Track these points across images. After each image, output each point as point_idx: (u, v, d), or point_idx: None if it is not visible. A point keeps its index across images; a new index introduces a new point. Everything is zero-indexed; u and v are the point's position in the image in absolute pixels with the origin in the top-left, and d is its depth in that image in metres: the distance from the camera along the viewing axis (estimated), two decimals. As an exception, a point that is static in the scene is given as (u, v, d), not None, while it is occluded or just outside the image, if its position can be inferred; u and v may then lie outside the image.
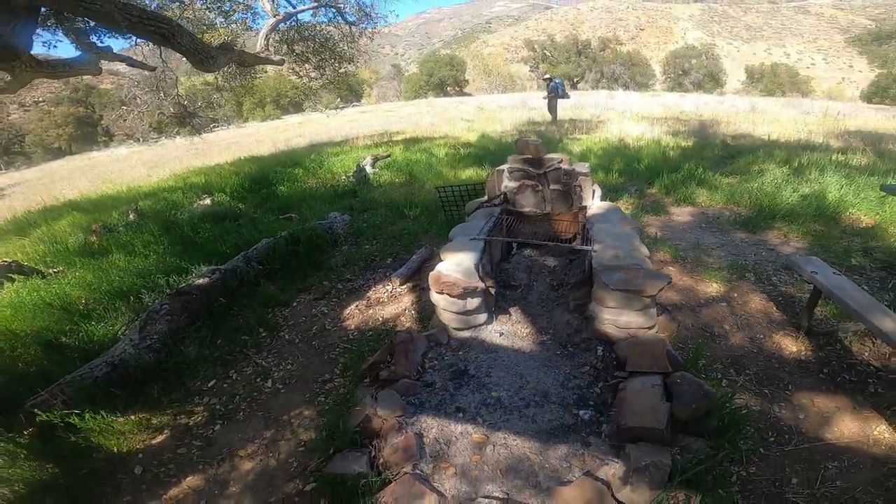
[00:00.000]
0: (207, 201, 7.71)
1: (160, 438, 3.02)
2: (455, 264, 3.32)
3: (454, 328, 3.32)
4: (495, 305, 3.55)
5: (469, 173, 8.19)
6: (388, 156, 10.23)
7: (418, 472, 2.32)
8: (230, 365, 3.64)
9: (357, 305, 4.28)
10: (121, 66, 9.76)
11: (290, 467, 2.70)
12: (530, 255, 4.42)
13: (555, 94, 14.20)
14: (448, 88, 57.62)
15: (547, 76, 15.16)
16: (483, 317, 3.35)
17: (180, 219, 6.46)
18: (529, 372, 2.90)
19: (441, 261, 3.45)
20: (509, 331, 3.36)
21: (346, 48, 11.66)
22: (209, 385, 3.45)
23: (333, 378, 3.39)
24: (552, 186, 4.49)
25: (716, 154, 8.74)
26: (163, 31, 6.12)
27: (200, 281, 4.21)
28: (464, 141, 11.78)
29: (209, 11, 9.93)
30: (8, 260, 5.11)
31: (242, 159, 12.97)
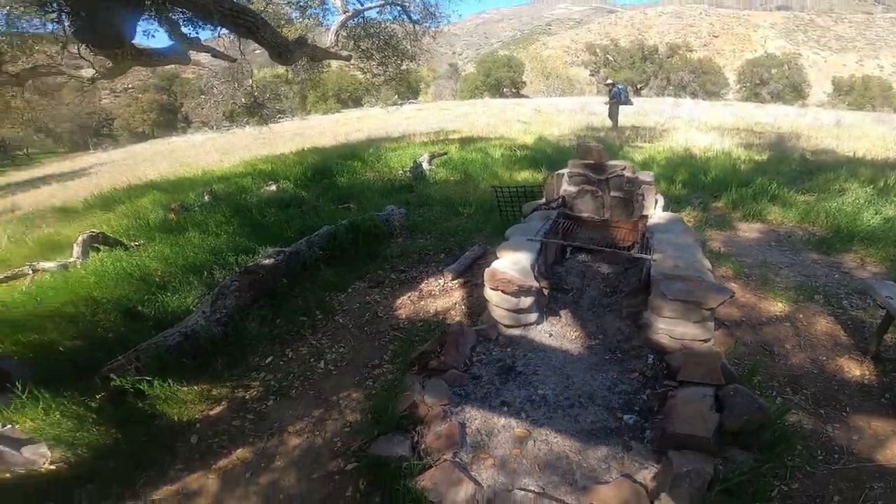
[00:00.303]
0: (273, 188, 8.15)
1: (217, 410, 3.19)
2: (511, 263, 3.38)
3: (504, 325, 3.37)
4: (547, 306, 3.56)
5: (525, 175, 8.16)
6: (445, 154, 10.37)
7: (458, 460, 2.38)
8: (287, 343, 3.81)
9: (409, 296, 4.40)
10: (203, 57, 10.48)
11: (335, 446, 2.80)
12: (584, 261, 4.38)
13: (617, 99, 13.83)
14: (505, 89, 57.24)
15: (609, 81, 14.80)
16: (534, 316, 3.39)
17: (249, 202, 6.89)
18: (576, 373, 2.92)
19: (497, 259, 3.51)
20: (558, 332, 3.37)
21: (408, 46, 11.91)
22: (266, 361, 3.63)
23: (382, 364, 3.49)
24: (613, 193, 4.43)
25: (792, 169, 8.21)
26: (249, 24, 6.52)
27: (266, 261, 4.47)
28: (520, 143, 11.73)
29: (288, 6, 10.45)
30: (95, 231, 5.64)
31: (305, 150, 13.55)
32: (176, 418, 3.06)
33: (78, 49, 6.75)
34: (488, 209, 6.30)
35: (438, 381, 2.84)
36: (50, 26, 7.95)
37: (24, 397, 2.97)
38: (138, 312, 4.06)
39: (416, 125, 18.19)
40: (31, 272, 5.07)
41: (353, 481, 2.52)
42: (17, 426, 2.82)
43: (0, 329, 3.75)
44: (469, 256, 4.92)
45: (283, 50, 7.40)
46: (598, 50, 65.99)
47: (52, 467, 2.72)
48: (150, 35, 8.97)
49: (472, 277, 4.57)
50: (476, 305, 4.04)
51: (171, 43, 7.94)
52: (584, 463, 2.38)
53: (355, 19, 11.01)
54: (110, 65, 7.90)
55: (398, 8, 11.44)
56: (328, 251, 5.03)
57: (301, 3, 10.61)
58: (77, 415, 2.94)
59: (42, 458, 2.71)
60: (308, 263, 4.81)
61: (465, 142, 12.56)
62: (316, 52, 8.94)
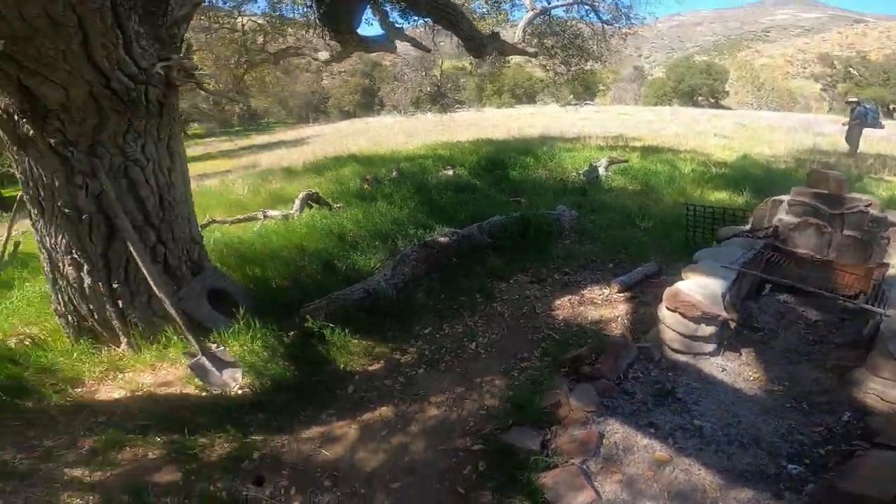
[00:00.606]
0: (450, 172, 8.70)
1: (375, 367, 3.43)
2: (699, 287, 3.14)
3: (673, 349, 3.17)
4: (727, 340, 3.24)
5: (720, 196, 7.25)
6: (626, 161, 9.76)
7: (585, 467, 2.36)
8: (446, 319, 4.02)
9: (569, 299, 4.32)
10: (401, 48, 11.53)
11: (468, 425, 2.86)
12: (785, 301, 3.80)
13: (861, 120, 11.27)
14: (700, 98, 51.27)
15: (853, 99, 12.14)
16: (710, 347, 3.13)
17: (429, 183, 7.47)
18: (745, 414, 2.69)
19: (682, 280, 3.30)
20: (734, 369, 3.10)
21: (594, 46, 11.44)
22: (425, 331, 3.86)
23: (531, 358, 3.49)
24: (847, 232, 3.68)
25: None
26: (451, 17, 6.99)
27: (442, 239, 4.81)
28: (716, 159, 10.42)
29: (486, 1, 10.87)
30: (311, 191, 6.74)
31: (480, 140, 14.07)
32: (342, 367, 3.40)
33: (322, 33, 8.00)
34: (670, 226, 5.77)
35: (588, 387, 2.83)
36: (301, 10, 9.62)
37: (241, 323, 3.52)
38: (334, 265, 4.73)
39: (592, 127, 17.46)
40: (262, 217, 6.31)
41: (474, 461, 2.57)
42: (227, 349, 3.35)
43: (236, 261, 4.73)
44: (641, 271, 4.62)
45: (477, 43, 7.74)
46: (836, 62, 54.59)
47: (239, 392, 3.16)
48: (369, 23, 10.23)
49: (640, 294, 4.29)
50: (640, 322, 3.81)
51: (382, 32, 8.96)
52: (722, 501, 2.18)
53: (542, 17, 11.01)
54: (339, 49, 9.27)
55: (586, 7, 11.08)
56: (497, 240, 5.19)
57: (497, 2, 10.96)
58: (272, 347, 3.43)
59: (234, 381, 3.16)
60: (477, 248, 5.03)
61: (648, 151, 11.63)
62: (505, 47, 9.17)
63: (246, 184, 9.32)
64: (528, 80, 48.17)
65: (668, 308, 3.14)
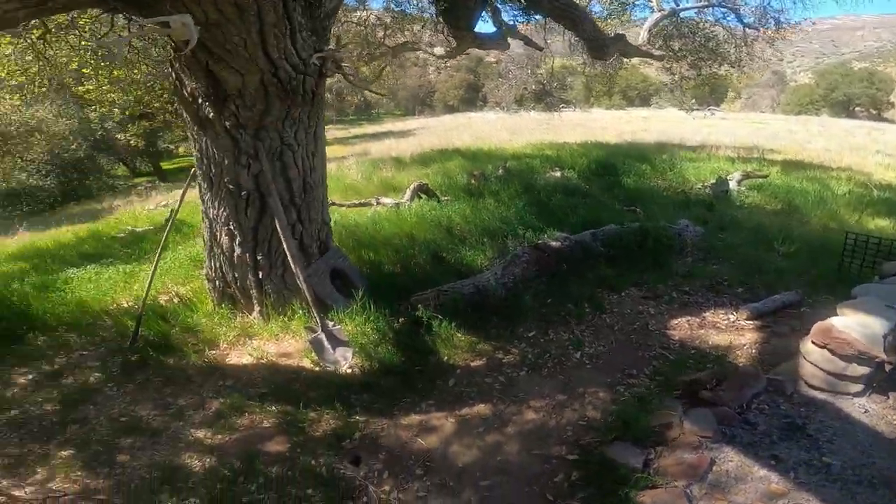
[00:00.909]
0: (558, 174, 8.42)
1: (477, 363, 3.45)
2: (857, 324, 2.87)
3: (811, 384, 2.95)
4: (878, 382, 2.92)
5: (882, 224, 6.22)
6: (765, 177, 8.70)
7: (689, 491, 2.26)
8: (551, 325, 3.91)
9: (688, 320, 4.00)
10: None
11: (565, 433, 2.79)
12: None
13: None
14: (857, 109, 44.46)
15: None
16: (858, 388, 2.87)
17: (537, 184, 7.29)
18: (882, 456, 2.48)
19: (836, 315, 3.03)
20: (878, 412, 2.83)
21: (731, 50, 10.27)
22: (529, 334, 3.79)
23: (639, 375, 3.32)
24: None
25: None
26: (573, 17, 6.68)
27: (554, 243, 4.65)
28: (879, 180, 8.94)
29: (609, 2, 10.27)
30: (422, 182, 6.91)
31: (589, 143, 13.47)
32: (445, 359, 3.45)
33: (441, 29, 8.14)
34: (817, 253, 5.04)
35: (706, 412, 2.73)
36: (421, 7, 9.84)
37: (358, 305, 3.72)
38: (442, 257, 4.80)
39: (720, 136, 15.90)
40: (375, 204, 6.62)
41: (567, 470, 2.51)
42: (342, 327, 3.54)
43: (352, 243, 4.98)
44: (779, 300, 4.12)
45: (600, 44, 7.33)
46: None
47: (348, 371, 3.32)
48: (484, 20, 10.14)
49: (773, 323, 3.88)
50: (770, 354, 3.48)
51: (495, 30, 8.84)
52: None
53: (670, 18, 10.16)
54: (454, 46, 9.38)
55: (723, 10, 9.97)
56: (610, 249, 4.91)
57: (621, 3, 10.31)
58: (382, 331, 3.58)
59: (345, 360, 3.30)
60: (588, 256, 4.80)
61: (791, 166, 10.31)
62: (628, 48, 8.60)
63: (360, 170, 9.86)
64: (642, 81, 45.19)
65: (814, 343, 2.92)
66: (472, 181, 7.64)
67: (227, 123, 3.41)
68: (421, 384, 3.25)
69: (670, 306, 4.20)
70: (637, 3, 10.15)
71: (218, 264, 3.88)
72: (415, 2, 10.53)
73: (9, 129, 8.97)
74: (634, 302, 4.28)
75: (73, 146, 18.49)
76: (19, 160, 10.91)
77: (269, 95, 3.37)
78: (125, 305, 4.61)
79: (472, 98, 50.17)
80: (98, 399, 3.31)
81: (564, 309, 4.10)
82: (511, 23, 9.14)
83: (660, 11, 9.47)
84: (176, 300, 4.42)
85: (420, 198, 6.66)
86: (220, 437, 2.89)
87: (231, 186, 3.57)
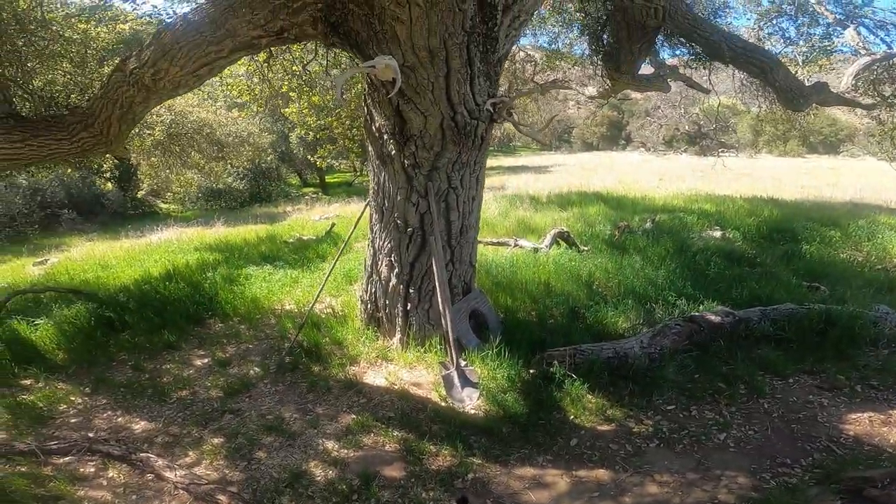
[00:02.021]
0: (717, 234, 7.53)
1: (604, 427, 3.31)
2: None
3: None
4: None
5: None
6: None
7: None
8: (695, 401, 3.58)
9: (870, 416, 3.41)
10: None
11: None
12: None
13: None
14: None
15: None
16: None
17: (693, 244, 6.60)
18: None
19: None
20: None
21: None
22: (668, 407, 3.52)
23: (793, 466, 2.96)
24: None
25: None
26: (762, 65, 5.94)
27: (712, 317, 4.19)
28: None
29: (802, 47, 9.02)
30: (562, 228, 6.72)
31: (759, 198, 11.88)
32: (571, 417, 3.34)
33: (597, 69, 7.90)
34: None
35: None
36: (579, 50, 9.70)
37: (493, 350, 3.78)
38: (580, 313, 4.60)
39: (939, 198, 12.81)
40: (513, 245, 6.63)
41: None
42: (475, 368, 3.61)
43: (489, 284, 5.03)
44: None
45: (795, 95, 6.43)
46: None
47: (472, 411, 3.36)
48: (642, 62, 9.50)
49: None
50: None
51: (653, 70, 8.26)
52: None
53: (881, 62, 8.49)
54: (609, 86, 9.05)
55: None
56: (782, 331, 4.23)
57: (824, 47, 8.97)
58: (511, 379, 3.59)
59: (470, 400, 3.35)
60: (752, 334, 4.22)
61: None
62: (828, 97, 7.43)
63: (497, 206, 10.00)
64: (830, 124, 38.43)
65: None
66: (616, 233, 7.22)
67: (406, 162, 3.67)
68: (541, 438, 3.22)
69: (850, 400, 3.60)
70: (842, 47, 8.83)
71: (373, 290, 4.24)
72: (569, 41, 10.45)
73: (227, 138, 11.07)
74: (804, 390, 3.72)
75: (269, 158, 22.25)
76: (229, 165, 13.35)
77: (445, 138, 3.58)
78: (287, 308, 5.29)
79: (614, 136, 48.17)
80: (253, 392, 3.83)
81: (713, 387, 3.71)
82: (670, 59, 8.56)
83: (869, 56, 8.09)
84: (330, 311, 4.93)
85: (559, 244, 6.50)
86: (345, 451, 3.12)
87: (399, 221, 3.87)
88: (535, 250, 6.29)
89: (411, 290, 3.97)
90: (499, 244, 6.83)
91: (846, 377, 3.84)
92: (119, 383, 4.01)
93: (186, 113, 9.13)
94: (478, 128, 3.64)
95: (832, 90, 7.41)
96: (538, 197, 11.40)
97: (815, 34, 8.94)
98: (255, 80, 7.28)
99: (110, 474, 3.03)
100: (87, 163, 8.11)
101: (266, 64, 6.16)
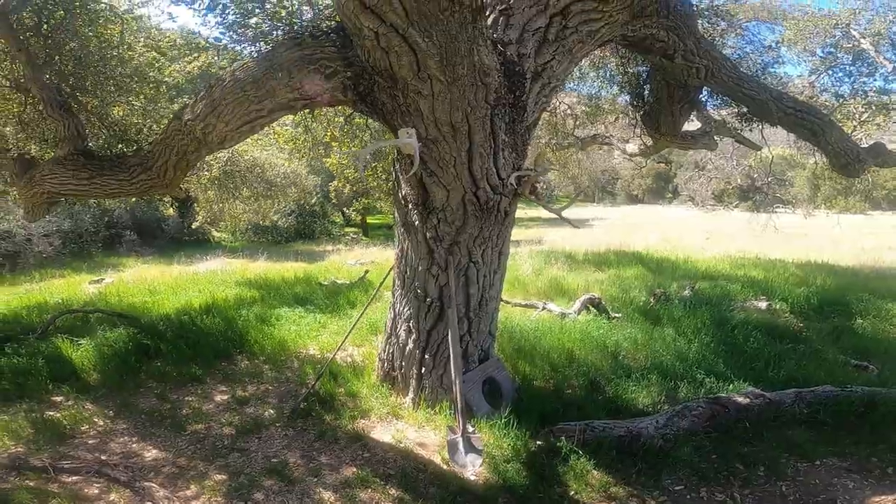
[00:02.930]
0: (763, 305, 7.09)
1: None
2: None
3: None
4: None
5: None
6: None
7: None
8: (706, 482, 3.34)
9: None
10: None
11: None
12: None
13: None
14: None
15: None
16: None
17: (732, 317, 6.21)
18: None
19: None
20: None
21: None
22: (676, 488, 3.32)
23: None
24: None
25: None
26: (813, 127, 5.55)
27: (740, 399, 3.94)
28: None
29: (867, 105, 8.59)
30: (593, 295, 6.52)
31: (812, 264, 11.17)
32: (572, 493, 3.21)
33: (638, 127, 7.78)
34: None
35: None
36: (621, 101, 9.57)
37: (503, 420, 3.70)
38: (600, 385, 4.43)
39: None
40: (541, 308, 6.47)
41: None
42: (481, 435, 3.53)
43: (510, 349, 4.93)
44: None
45: (851, 160, 6.09)
46: None
47: (472, 478, 3.28)
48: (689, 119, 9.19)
49: None
50: None
51: (700, 125, 8.02)
52: None
53: None
54: (650, 143, 8.89)
55: None
56: (817, 414, 3.92)
57: (883, 103, 8.51)
58: (516, 449, 3.50)
59: (472, 467, 3.27)
60: (781, 416, 3.95)
61: None
62: (887, 159, 7.01)
63: (531, 263, 9.87)
64: (894, 177, 35.35)
65: None
66: (652, 300, 6.95)
67: (428, 234, 3.68)
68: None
69: (879, 483, 3.30)
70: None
71: (391, 350, 4.29)
72: (611, 96, 10.37)
73: (276, 179, 11.78)
74: (829, 472, 3.44)
75: (314, 199, 23.33)
76: (276, 204, 14.13)
77: (466, 213, 3.56)
78: (311, 352, 5.39)
79: (660, 189, 46.82)
80: (264, 434, 3.88)
81: (728, 468, 3.46)
82: (716, 111, 8.28)
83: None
84: (349, 361, 5.00)
85: (589, 311, 6.32)
86: (339, 504, 3.06)
87: (419, 290, 3.91)
88: (563, 315, 6.12)
89: (426, 356, 3.98)
90: (527, 306, 6.71)
91: (879, 459, 3.53)
92: (141, 410, 4.17)
93: (242, 152, 9.79)
94: (500, 203, 3.60)
95: (891, 150, 6.98)
96: (574, 254, 11.19)
97: (872, 84, 8.55)
98: (300, 129, 7.72)
99: (112, 497, 3.11)
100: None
101: (311, 115, 6.49)
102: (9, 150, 5.38)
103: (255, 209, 12.10)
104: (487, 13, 3.25)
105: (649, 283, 8.06)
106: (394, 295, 4.26)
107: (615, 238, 13.63)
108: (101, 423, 4.02)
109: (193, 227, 18.63)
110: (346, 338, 4.75)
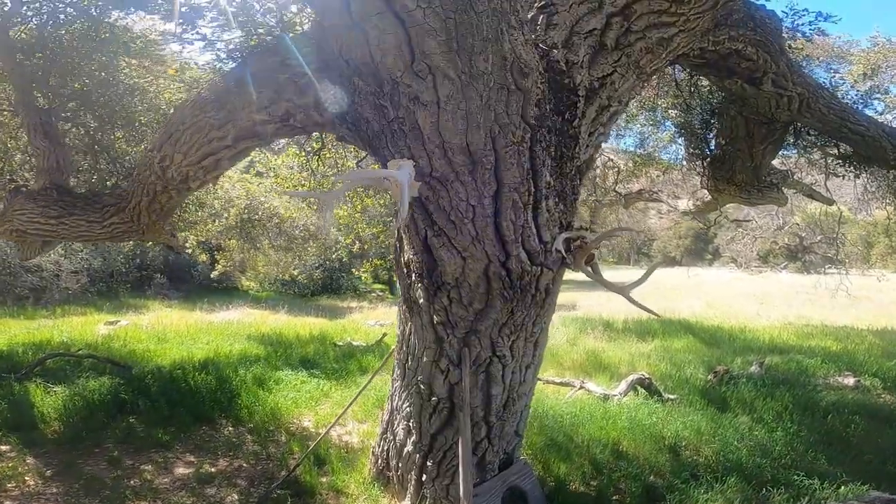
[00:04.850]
0: (850, 381, 5.90)
1: None
2: None
3: None
4: None
5: None
6: None
7: None
8: None
9: None
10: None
11: None
12: None
13: None
14: None
15: None
16: None
17: (822, 399, 5.07)
18: None
19: None
20: None
21: None
22: None
23: None
24: None
25: None
26: None
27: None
28: None
29: None
30: (644, 374, 5.39)
31: (890, 330, 9.82)
32: None
33: (702, 180, 6.70)
34: None
35: None
36: (666, 155, 8.40)
37: None
38: (656, 491, 3.41)
39: None
40: (577, 386, 5.40)
41: None
42: None
43: (542, 442, 3.97)
44: None
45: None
46: None
47: None
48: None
49: None
50: None
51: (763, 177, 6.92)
52: None
53: None
54: (708, 199, 7.86)
55: None
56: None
57: None
58: None
59: None
60: None
61: None
62: None
63: (565, 332, 8.84)
64: None
65: None
66: (713, 378, 5.81)
67: (436, 318, 2.68)
68: None
69: None
70: None
71: (386, 447, 3.37)
72: (661, 144, 9.00)
73: (293, 231, 11.23)
74: None
75: (335, 254, 23.06)
76: (297, 258, 13.64)
77: (491, 291, 2.51)
78: (305, 424, 4.70)
79: (699, 250, 44.66)
80: None
81: None
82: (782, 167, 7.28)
83: None
84: (345, 443, 4.22)
85: (637, 392, 5.25)
86: None
87: (422, 387, 2.93)
88: (606, 397, 5.04)
89: (429, 463, 3.01)
90: (562, 384, 5.68)
91: None
92: (84, 474, 3.63)
93: (263, 199, 9.41)
94: (541, 277, 2.53)
95: None
96: (613, 323, 10.01)
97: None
98: (305, 174, 6.92)
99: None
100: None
101: (317, 157, 5.94)
102: (14, 180, 5.10)
103: (275, 262, 11.65)
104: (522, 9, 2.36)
105: (705, 358, 6.92)
106: (392, 385, 3.35)
107: (656, 303, 12.35)
108: (32, 483, 3.50)
109: (213, 275, 18.52)
110: (340, 416, 3.98)
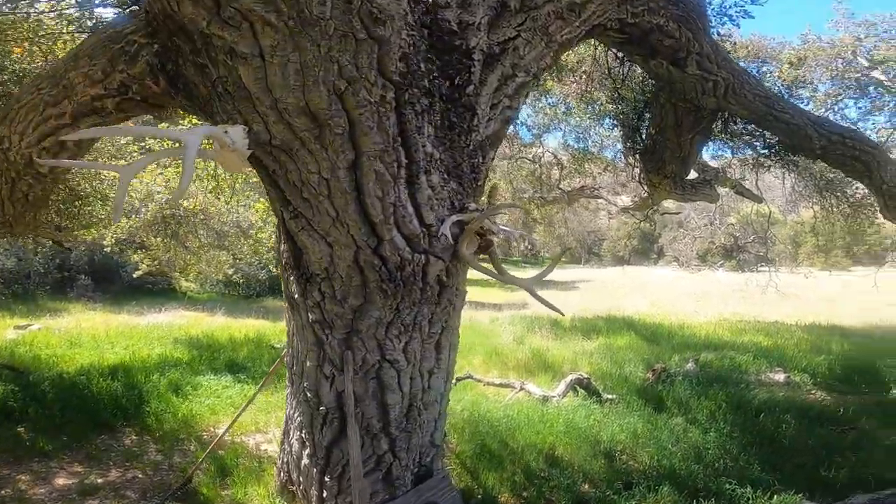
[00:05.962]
0: (780, 377, 6.05)
1: None
2: None
3: None
4: None
5: None
6: None
7: None
8: None
9: None
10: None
11: None
12: None
13: None
14: None
15: None
16: None
17: (753, 398, 5.11)
18: None
19: None
20: None
21: None
22: None
23: None
24: None
25: None
26: (867, 159, 4.37)
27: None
28: None
29: None
30: (582, 375, 5.29)
31: (818, 325, 10.37)
32: None
33: (634, 174, 6.66)
34: None
35: None
36: (610, 153, 8.44)
37: None
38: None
39: None
40: (518, 388, 5.21)
41: None
42: None
43: (473, 451, 3.73)
44: None
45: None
46: None
47: None
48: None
49: None
50: None
51: (697, 175, 7.12)
52: None
53: None
54: (645, 195, 7.92)
55: None
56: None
57: None
58: None
59: None
60: None
61: None
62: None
63: (512, 331, 8.73)
64: (874, 233, 34.81)
65: None
66: (650, 377, 5.79)
67: (311, 315, 2.39)
68: None
69: None
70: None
71: (286, 459, 3.01)
72: (600, 139, 9.16)
73: (224, 228, 10.52)
74: None
75: (269, 253, 22.05)
76: (231, 258, 13.01)
77: (367, 285, 2.22)
78: (217, 432, 4.26)
79: (646, 250, 46.63)
80: None
81: None
82: (711, 164, 7.48)
83: None
84: (262, 450, 3.94)
85: (577, 392, 5.13)
86: None
87: (310, 394, 2.60)
88: (545, 399, 4.85)
89: (327, 479, 2.66)
90: (502, 386, 5.49)
91: None
92: None
93: (187, 195, 8.68)
94: (428, 267, 2.22)
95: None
96: (560, 321, 10.13)
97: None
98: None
99: None
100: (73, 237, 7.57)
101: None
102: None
103: (206, 261, 10.82)
104: None
105: (645, 356, 6.96)
106: (288, 391, 3.01)
107: (603, 303, 12.64)
108: None
109: (135, 276, 17.33)
110: (230, 426, 3.72)
